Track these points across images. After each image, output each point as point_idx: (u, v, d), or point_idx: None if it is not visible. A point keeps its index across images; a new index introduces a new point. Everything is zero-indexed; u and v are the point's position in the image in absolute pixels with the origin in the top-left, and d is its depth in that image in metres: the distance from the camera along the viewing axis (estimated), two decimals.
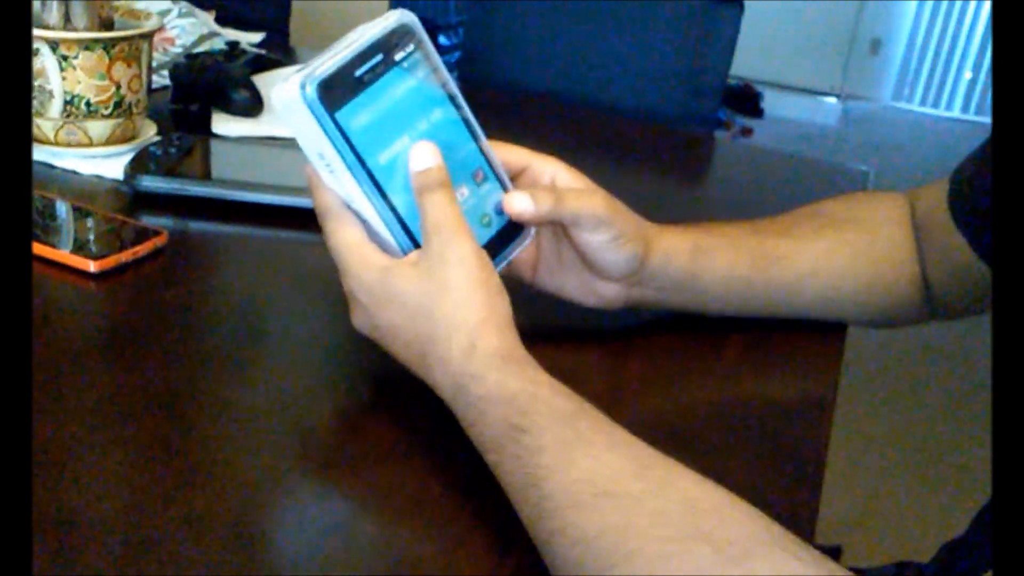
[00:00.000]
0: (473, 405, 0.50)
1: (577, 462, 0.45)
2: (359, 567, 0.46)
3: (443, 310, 0.51)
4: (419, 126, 0.55)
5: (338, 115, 0.52)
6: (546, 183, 0.62)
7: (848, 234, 0.71)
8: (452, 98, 0.57)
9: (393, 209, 0.54)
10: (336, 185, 0.55)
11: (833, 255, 0.70)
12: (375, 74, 0.53)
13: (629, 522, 0.43)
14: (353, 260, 0.55)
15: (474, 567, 0.47)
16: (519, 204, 0.58)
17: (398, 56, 0.54)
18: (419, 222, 0.54)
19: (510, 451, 0.47)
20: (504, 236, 0.59)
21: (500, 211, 0.59)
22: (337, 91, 0.51)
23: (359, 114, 0.52)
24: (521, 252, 0.60)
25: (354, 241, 0.55)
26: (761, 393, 0.65)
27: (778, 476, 0.57)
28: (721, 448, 0.59)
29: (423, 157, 0.54)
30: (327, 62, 0.52)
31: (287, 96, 0.51)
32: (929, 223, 0.72)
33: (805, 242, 0.70)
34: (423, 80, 0.55)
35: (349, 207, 0.55)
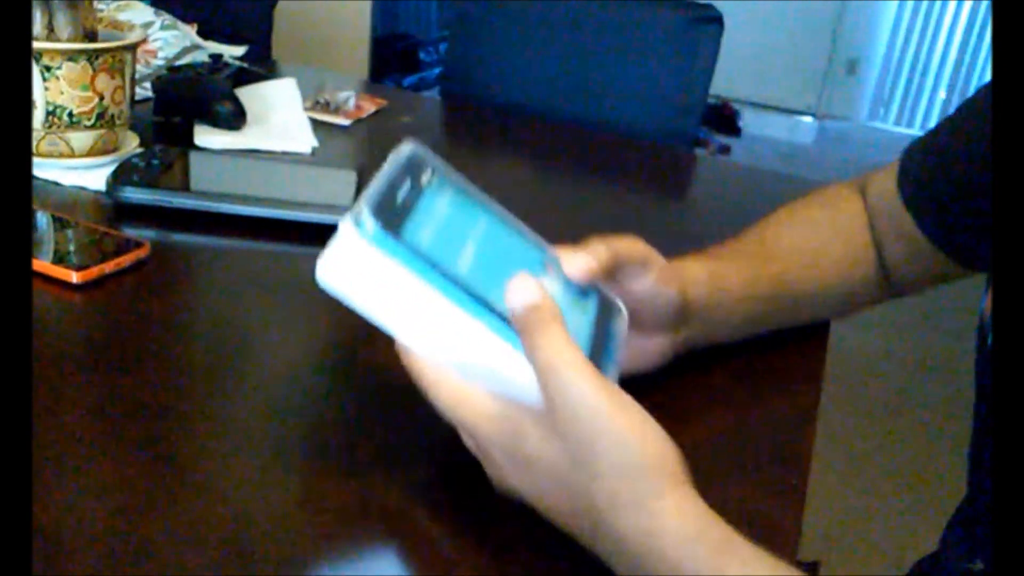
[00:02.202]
0: None
1: None
2: None
3: (599, 483, 0.43)
4: (474, 235, 0.50)
5: (404, 237, 0.45)
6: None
7: (835, 247, 0.74)
8: (485, 204, 0.52)
9: (495, 311, 0.46)
10: (421, 335, 0.47)
11: (829, 272, 0.73)
12: (415, 194, 0.48)
13: None
14: (469, 417, 0.47)
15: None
16: (581, 260, 0.52)
17: (425, 178, 0.50)
18: (529, 362, 0.45)
19: None
20: (599, 323, 0.52)
21: (586, 292, 0.53)
22: (391, 217, 0.45)
23: (419, 231, 0.46)
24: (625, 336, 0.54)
25: (463, 395, 0.47)
26: (744, 409, 0.66)
27: (762, 491, 0.57)
28: (705, 463, 0.59)
29: (525, 292, 0.46)
30: (364, 198, 0.45)
31: (342, 247, 0.44)
32: (880, 206, 0.75)
33: (804, 261, 0.71)
34: (455, 195, 0.51)
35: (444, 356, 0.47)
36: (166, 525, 0.47)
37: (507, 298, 0.46)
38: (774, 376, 0.69)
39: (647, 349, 0.62)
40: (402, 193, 0.47)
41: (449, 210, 0.50)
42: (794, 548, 0.53)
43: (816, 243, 0.74)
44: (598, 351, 0.50)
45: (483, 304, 0.46)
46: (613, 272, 0.56)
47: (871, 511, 2.06)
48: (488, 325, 0.46)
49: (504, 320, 0.46)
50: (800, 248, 0.73)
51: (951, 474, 2.15)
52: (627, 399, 0.44)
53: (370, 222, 0.44)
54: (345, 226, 0.44)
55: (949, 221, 0.70)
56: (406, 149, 0.51)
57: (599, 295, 0.54)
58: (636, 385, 0.66)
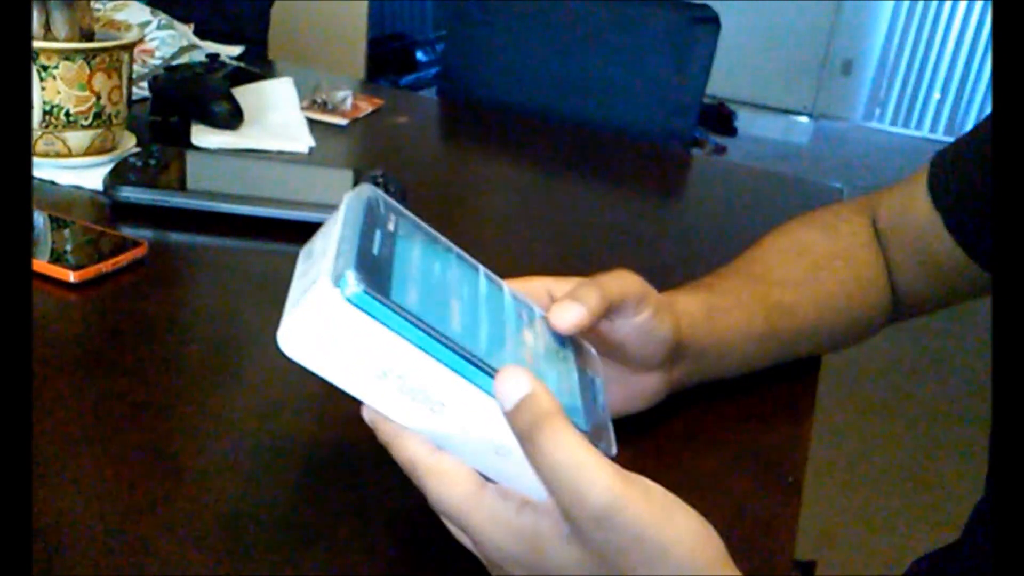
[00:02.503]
0: None
1: None
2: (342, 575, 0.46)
3: None
4: (455, 289, 0.43)
5: (392, 298, 0.38)
6: (542, 294, 0.51)
7: (839, 272, 0.70)
8: (450, 249, 0.46)
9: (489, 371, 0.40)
10: (412, 411, 0.41)
11: (833, 299, 0.69)
12: (388, 246, 0.41)
13: None
14: (476, 519, 0.41)
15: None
16: (571, 313, 0.46)
17: (391, 226, 0.43)
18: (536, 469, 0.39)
19: None
20: (581, 371, 0.47)
21: (564, 343, 0.47)
22: (374, 274, 0.38)
23: (405, 290, 0.40)
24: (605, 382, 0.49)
25: (468, 491, 0.41)
26: (740, 408, 0.66)
27: (759, 490, 0.57)
28: (701, 461, 0.60)
29: (514, 384, 0.39)
30: (338, 252, 0.39)
31: (317, 310, 0.38)
32: (896, 220, 0.73)
33: (806, 290, 0.68)
34: (424, 243, 0.44)
35: (438, 440, 0.42)
36: (157, 525, 0.47)
37: (498, 396, 0.40)
38: (771, 374, 0.69)
39: (641, 388, 0.58)
40: (376, 245, 0.40)
41: (423, 261, 0.43)
42: (791, 547, 0.53)
43: (817, 268, 0.70)
44: (589, 402, 0.45)
45: (489, 375, 0.40)
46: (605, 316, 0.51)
47: (868, 511, 2.06)
48: (484, 387, 0.40)
49: None
50: (801, 275, 0.69)
51: (948, 474, 2.16)
52: (651, 488, 0.39)
53: (354, 282, 0.37)
54: (322, 285, 0.37)
55: (983, 221, 0.67)
56: (364, 192, 0.43)
57: (571, 339, 0.48)
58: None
